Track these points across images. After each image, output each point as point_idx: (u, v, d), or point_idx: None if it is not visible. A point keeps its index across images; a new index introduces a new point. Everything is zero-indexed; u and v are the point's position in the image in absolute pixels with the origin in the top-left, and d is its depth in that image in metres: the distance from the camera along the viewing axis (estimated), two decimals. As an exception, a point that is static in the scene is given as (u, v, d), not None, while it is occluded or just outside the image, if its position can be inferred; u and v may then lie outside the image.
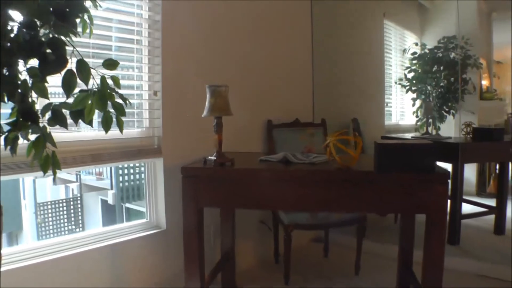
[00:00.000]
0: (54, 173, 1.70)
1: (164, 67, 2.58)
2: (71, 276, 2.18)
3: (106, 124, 1.55)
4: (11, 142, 1.57)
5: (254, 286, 2.91)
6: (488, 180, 5.76)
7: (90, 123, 1.61)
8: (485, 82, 6.08)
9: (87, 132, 2.33)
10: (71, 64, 1.47)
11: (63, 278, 2.14)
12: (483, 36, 6.12)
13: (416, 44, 5.72)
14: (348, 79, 4.52)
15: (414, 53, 5.48)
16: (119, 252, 2.43)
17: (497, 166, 4.81)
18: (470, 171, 5.34)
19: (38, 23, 1.45)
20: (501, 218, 3.97)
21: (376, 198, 1.99)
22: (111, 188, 7.82)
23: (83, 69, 1.45)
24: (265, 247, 3.37)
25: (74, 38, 1.52)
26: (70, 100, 1.56)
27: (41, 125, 1.55)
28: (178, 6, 2.65)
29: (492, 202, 4.07)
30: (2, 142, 1.62)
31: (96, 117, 1.89)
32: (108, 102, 1.56)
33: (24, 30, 1.49)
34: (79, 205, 7.86)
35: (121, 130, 1.60)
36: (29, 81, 1.53)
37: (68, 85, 1.44)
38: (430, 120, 5.25)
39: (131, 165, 6.82)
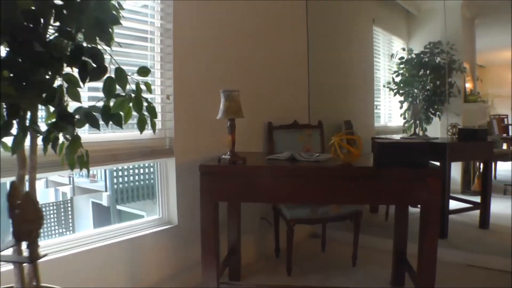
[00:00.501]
0: (88, 170, 1.87)
1: (175, 72, 2.75)
2: (96, 267, 2.34)
3: (141, 126, 1.72)
4: (52, 142, 1.73)
5: (258, 278, 3.10)
6: (472, 179, 6.03)
7: (120, 124, 1.78)
8: (468, 85, 6.37)
9: (106, 134, 2.50)
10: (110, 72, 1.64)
11: (89, 269, 2.30)
12: (467, 41, 6.40)
13: (404, 49, 5.96)
14: (340, 83, 4.73)
15: (402, 57, 5.71)
16: (136, 246, 2.59)
17: (481, 165, 5.09)
18: (455, 171, 5.59)
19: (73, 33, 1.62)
20: (486, 213, 4.22)
21: (376, 191, 2.19)
22: (106, 190, 7.90)
23: (121, 76, 1.63)
24: (266, 243, 3.55)
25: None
26: (99, 104, 1.73)
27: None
28: (188, 16, 2.83)
29: (476, 200, 4.32)
30: (40, 142, 1.78)
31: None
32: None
33: (65, 40, 1.67)
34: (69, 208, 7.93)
35: (154, 130, 1.78)
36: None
37: (108, 90, 1.61)
38: (418, 122, 5.50)
39: (125, 167, 6.91)
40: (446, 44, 5.56)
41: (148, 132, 2.73)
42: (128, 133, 2.65)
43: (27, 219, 1.05)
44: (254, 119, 3.41)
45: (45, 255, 1.21)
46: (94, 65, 1.63)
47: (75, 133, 1.77)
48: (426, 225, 2.15)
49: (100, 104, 1.79)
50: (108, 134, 2.52)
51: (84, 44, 1.66)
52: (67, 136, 1.77)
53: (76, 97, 1.77)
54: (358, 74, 5.19)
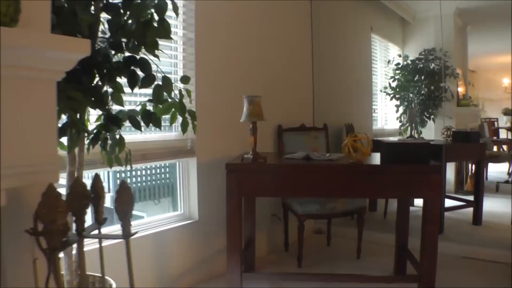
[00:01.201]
0: (131, 166, 2.10)
1: (196, 78, 2.99)
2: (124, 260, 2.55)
3: (184, 127, 1.96)
4: (102, 141, 1.96)
5: (271, 269, 3.33)
6: (465, 180, 6.31)
7: (159, 126, 2.02)
8: (461, 90, 6.66)
9: (136, 135, 2.72)
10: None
11: (118, 260, 2.52)
12: (459, 47, 6.70)
13: (400, 55, 6.24)
14: (342, 88, 4.99)
15: (398, 63, 5.99)
16: (161, 239, 2.82)
17: (473, 166, 5.37)
18: (448, 172, 5.86)
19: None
20: (478, 211, 4.49)
21: (384, 185, 2.45)
22: (108, 191, 8.06)
23: (168, 84, 1.86)
24: (275, 238, 3.79)
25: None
26: (136, 107, 1.97)
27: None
28: (207, 26, 3.07)
29: (469, 199, 4.60)
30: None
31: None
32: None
33: (113, 51, 1.90)
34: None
35: (194, 131, 2.02)
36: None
37: (157, 96, 1.84)
38: (413, 125, 5.77)
39: (127, 168, 7.10)
40: (439, 51, 5.84)
41: (172, 134, 2.97)
42: (155, 134, 2.88)
43: (124, 202, 1.27)
44: (265, 122, 3.64)
45: (135, 233, 1.44)
46: (142, 74, 1.87)
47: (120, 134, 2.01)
48: (427, 215, 2.41)
49: (139, 107, 2.03)
50: (137, 135, 2.75)
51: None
52: (115, 136, 2.00)
53: (120, 102, 2.00)
54: (357, 79, 5.46)
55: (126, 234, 1.30)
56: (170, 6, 1.83)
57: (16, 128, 1.08)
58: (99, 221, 1.37)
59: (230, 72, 3.28)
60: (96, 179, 1.33)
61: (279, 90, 3.79)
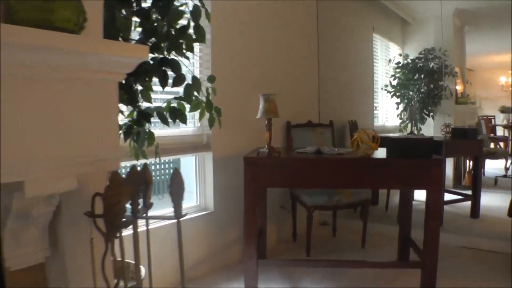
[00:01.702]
0: (159, 159, 2.27)
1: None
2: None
3: (211, 122, 2.14)
4: (136, 135, 2.13)
5: (281, 257, 3.52)
6: (463, 175, 6.52)
7: (185, 121, 2.19)
8: (459, 88, 6.86)
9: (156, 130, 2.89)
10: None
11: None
12: (458, 47, 6.89)
13: (400, 54, 6.42)
14: (346, 86, 5.17)
15: (398, 62, 6.18)
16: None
17: (470, 162, 5.56)
18: (447, 168, 6.06)
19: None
20: (476, 204, 4.69)
21: (390, 177, 2.64)
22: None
23: (197, 83, 2.04)
24: (283, 229, 3.98)
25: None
26: (164, 104, 2.15)
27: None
28: (223, 27, 3.25)
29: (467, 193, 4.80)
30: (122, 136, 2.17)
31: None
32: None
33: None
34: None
35: (220, 126, 2.19)
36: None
37: (188, 95, 2.02)
38: (413, 122, 5.95)
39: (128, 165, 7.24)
40: (439, 50, 6.01)
41: (189, 129, 3.15)
42: (172, 130, 3.05)
43: (176, 186, 1.45)
44: (275, 119, 3.83)
45: (185, 214, 1.63)
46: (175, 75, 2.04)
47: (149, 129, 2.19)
48: (430, 205, 2.60)
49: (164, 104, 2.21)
50: (155, 131, 2.92)
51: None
52: (145, 130, 2.18)
53: (148, 99, 2.18)
54: (360, 78, 5.64)
55: (178, 215, 1.48)
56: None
57: (87, 123, 1.26)
58: (147, 206, 1.55)
59: (242, 71, 3.46)
60: (145, 168, 1.51)
61: (287, 88, 3.97)
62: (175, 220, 1.54)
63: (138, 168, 1.53)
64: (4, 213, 1.35)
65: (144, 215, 1.51)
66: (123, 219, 1.31)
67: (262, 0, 3.65)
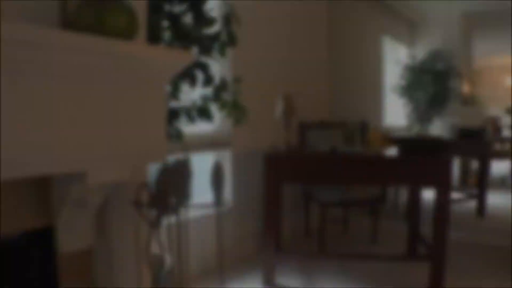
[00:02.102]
0: (187, 155, 2.42)
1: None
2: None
3: (236, 120, 2.28)
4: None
5: (296, 249, 3.67)
6: (469, 175, 6.64)
7: (211, 119, 2.34)
8: (466, 89, 6.97)
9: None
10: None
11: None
12: (464, 49, 7.01)
13: (408, 56, 6.55)
14: (355, 87, 5.30)
15: (406, 64, 6.30)
16: (199, 222, 3.14)
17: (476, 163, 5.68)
18: (453, 168, 6.18)
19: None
20: (482, 204, 4.83)
21: (401, 174, 2.78)
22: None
23: (225, 85, 2.19)
24: (296, 225, 4.12)
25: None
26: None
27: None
28: (243, 29, 3.38)
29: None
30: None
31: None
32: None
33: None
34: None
35: (245, 122, 2.34)
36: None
37: (216, 95, 2.17)
38: (421, 122, 6.07)
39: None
40: (446, 52, 6.12)
41: (208, 127, 3.29)
42: (194, 127, 3.19)
43: (218, 177, 1.60)
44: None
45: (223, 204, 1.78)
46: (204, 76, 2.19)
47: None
48: (439, 200, 2.74)
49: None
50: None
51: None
52: (174, 128, 2.33)
53: (176, 98, 2.33)
54: (369, 79, 5.77)
55: (219, 202, 1.63)
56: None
57: (138, 120, 1.41)
58: (187, 196, 1.70)
59: (261, 71, 3.61)
60: (187, 161, 1.65)
61: (301, 88, 4.11)
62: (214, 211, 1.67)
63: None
64: (60, 202, 1.50)
65: (185, 205, 1.66)
66: (168, 208, 1.45)
67: (276, 0, 3.80)
